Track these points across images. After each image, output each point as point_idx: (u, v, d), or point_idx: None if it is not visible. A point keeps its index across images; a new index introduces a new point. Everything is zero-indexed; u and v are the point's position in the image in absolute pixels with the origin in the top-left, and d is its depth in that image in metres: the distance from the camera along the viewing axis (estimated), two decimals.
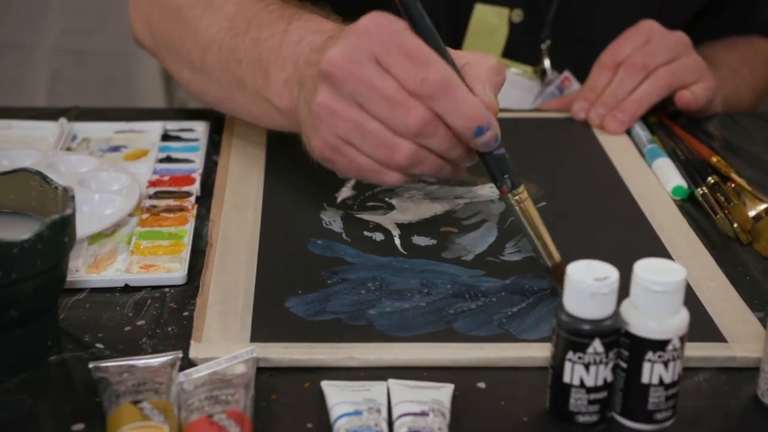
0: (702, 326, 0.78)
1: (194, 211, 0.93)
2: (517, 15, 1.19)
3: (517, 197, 0.80)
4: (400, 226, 0.91)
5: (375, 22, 0.76)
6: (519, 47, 1.22)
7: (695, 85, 1.11)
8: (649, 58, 1.10)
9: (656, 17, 1.18)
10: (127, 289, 0.83)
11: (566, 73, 1.22)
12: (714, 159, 1.02)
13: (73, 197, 0.73)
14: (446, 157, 0.79)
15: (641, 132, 1.09)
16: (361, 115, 0.77)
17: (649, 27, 1.13)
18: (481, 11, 1.19)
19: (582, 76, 1.22)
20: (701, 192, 0.97)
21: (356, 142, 0.78)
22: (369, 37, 0.76)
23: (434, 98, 0.75)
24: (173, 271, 0.84)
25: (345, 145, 0.78)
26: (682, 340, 0.67)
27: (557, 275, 0.81)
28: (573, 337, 0.66)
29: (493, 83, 0.79)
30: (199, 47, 0.96)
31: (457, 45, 1.21)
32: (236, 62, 0.90)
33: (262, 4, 0.92)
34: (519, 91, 1.22)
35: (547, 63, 1.23)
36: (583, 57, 1.21)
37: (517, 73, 1.23)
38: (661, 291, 0.66)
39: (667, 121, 1.12)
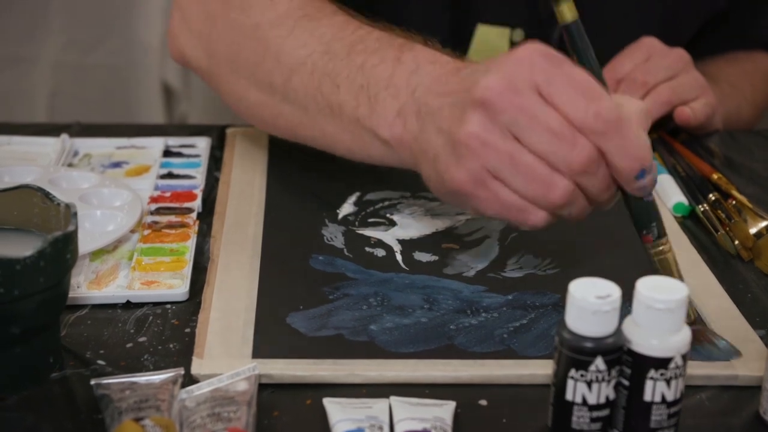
0: (703, 344, 0.78)
1: (196, 227, 0.93)
2: (518, 35, 1.20)
3: (660, 248, 0.78)
4: (401, 242, 0.91)
5: (536, 50, 0.73)
6: None
7: (695, 102, 1.11)
8: (649, 75, 1.11)
9: (657, 34, 1.18)
10: (128, 305, 0.83)
11: None
12: (715, 176, 1.03)
13: (75, 214, 0.73)
14: (596, 199, 0.75)
15: None
16: (517, 147, 0.72)
17: (649, 44, 1.14)
18: (483, 32, 1.20)
19: None
20: (702, 209, 0.97)
21: (507, 177, 0.73)
22: (531, 66, 0.72)
23: (605, 135, 0.71)
24: (175, 287, 0.84)
25: (492, 179, 0.74)
26: (684, 357, 0.67)
27: (695, 336, 0.72)
28: (575, 354, 0.66)
29: (644, 127, 0.74)
30: (283, 69, 0.89)
31: None
32: (333, 87, 0.85)
33: (364, 31, 0.87)
34: None
35: None
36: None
37: None
38: (663, 308, 0.66)
39: (667, 137, 1.13)
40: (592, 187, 0.74)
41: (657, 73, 1.11)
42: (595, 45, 1.22)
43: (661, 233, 0.77)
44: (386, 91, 0.81)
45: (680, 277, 0.77)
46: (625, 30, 1.21)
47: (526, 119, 0.72)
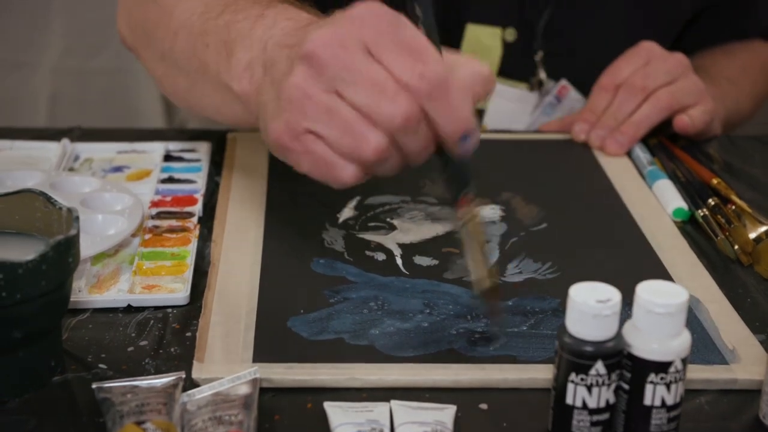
0: (703, 348, 0.78)
1: (196, 232, 0.93)
2: (510, 34, 1.20)
3: (471, 213, 0.77)
4: (401, 246, 0.92)
5: (370, 9, 0.72)
6: (514, 65, 1.22)
7: (693, 109, 1.12)
8: (649, 80, 1.11)
9: (645, 25, 1.19)
10: (129, 309, 0.83)
11: (563, 82, 1.23)
12: (714, 181, 1.03)
13: (77, 218, 0.74)
14: (412, 158, 0.74)
15: (642, 154, 1.10)
16: (336, 101, 0.71)
17: (648, 48, 1.14)
18: (472, 31, 1.20)
19: (578, 85, 1.22)
20: (702, 214, 0.97)
21: (322, 130, 0.72)
22: (362, 24, 0.71)
23: (429, 96, 0.70)
24: (176, 291, 0.84)
25: (307, 132, 0.73)
26: (684, 361, 0.67)
27: (489, 298, 0.78)
28: (575, 358, 0.66)
29: (477, 93, 0.75)
30: (170, 34, 0.91)
31: None
32: (203, 46, 0.86)
33: None
34: (516, 103, 1.23)
35: (542, 74, 1.23)
36: (577, 67, 1.22)
37: (509, 85, 1.23)
38: (663, 313, 0.66)
39: (667, 143, 1.13)
40: (410, 145, 0.73)
41: (656, 78, 1.11)
42: (585, 39, 1.22)
43: (474, 198, 0.76)
44: (241, 45, 0.80)
45: (485, 242, 0.77)
46: (615, 22, 1.21)
47: (349, 73, 0.71)
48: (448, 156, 0.75)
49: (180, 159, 1.08)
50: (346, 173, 0.73)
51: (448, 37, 1.20)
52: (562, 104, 1.22)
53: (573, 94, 1.22)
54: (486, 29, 1.20)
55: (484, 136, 1.17)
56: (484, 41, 1.20)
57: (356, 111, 0.71)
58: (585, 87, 1.22)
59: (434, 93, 0.71)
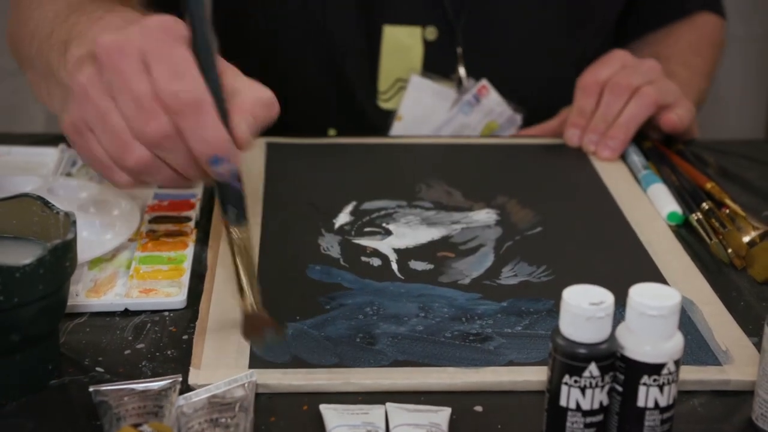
0: (696, 350, 0.79)
1: (193, 236, 0.94)
2: (431, 33, 1.20)
3: (235, 236, 0.77)
4: (397, 251, 0.92)
5: (159, 22, 0.74)
6: (438, 64, 1.23)
7: (678, 108, 1.12)
8: (632, 79, 1.11)
9: (578, 25, 1.20)
10: (126, 313, 0.83)
11: (483, 82, 1.23)
12: (708, 185, 1.03)
13: (74, 222, 0.74)
14: (183, 173, 0.76)
15: (636, 158, 1.10)
16: (110, 107, 0.74)
17: (621, 55, 1.15)
18: (390, 32, 1.20)
19: (499, 84, 1.22)
20: (696, 218, 0.98)
21: (97, 132, 0.76)
22: (146, 35, 0.73)
23: (180, 114, 0.72)
24: (173, 295, 0.85)
25: (88, 130, 0.76)
26: (677, 363, 0.67)
27: (249, 324, 0.77)
28: (569, 360, 0.66)
29: (257, 117, 0.76)
30: (27, 40, 0.95)
31: (374, 66, 1.22)
32: (49, 48, 0.88)
33: None
34: (434, 98, 1.23)
35: (462, 71, 1.23)
36: (500, 66, 1.22)
37: (434, 81, 1.23)
38: (656, 315, 0.66)
39: (662, 147, 1.14)
40: (172, 162, 0.75)
41: (638, 77, 1.12)
42: (507, 37, 1.22)
43: (240, 220, 0.77)
44: (76, 43, 0.82)
45: (253, 267, 0.78)
46: (545, 22, 1.22)
47: (120, 82, 0.73)
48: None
49: None
50: (118, 177, 0.77)
51: (368, 39, 1.21)
52: (481, 104, 1.22)
53: (493, 95, 1.22)
54: (405, 29, 1.21)
55: (479, 140, 1.18)
56: (404, 41, 1.21)
57: (124, 120, 0.74)
58: (509, 87, 1.23)
59: (186, 112, 0.72)
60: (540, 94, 1.23)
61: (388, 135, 1.23)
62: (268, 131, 1.08)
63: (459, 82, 1.23)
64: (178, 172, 0.76)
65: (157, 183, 0.78)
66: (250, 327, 0.77)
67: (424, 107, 1.22)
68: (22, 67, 1.04)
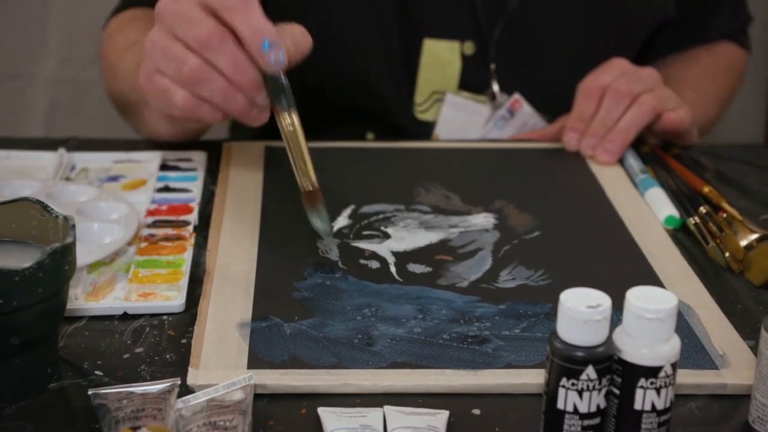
0: (693, 353, 0.79)
1: (192, 240, 0.94)
2: (469, 47, 1.21)
3: (288, 121, 0.88)
4: (395, 254, 0.92)
5: None
6: (474, 78, 1.23)
7: (679, 110, 1.12)
8: (633, 85, 1.12)
9: (609, 42, 1.20)
10: (125, 316, 0.83)
11: (516, 96, 1.23)
12: (706, 189, 1.03)
13: (73, 226, 0.74)
14: (232, 78, 0.85)
15: (634, 162, 1.10)
16: (172, 41, 0.86)
17: (620, 63, 1.15)
18: (430, 46, 1.21)
19: (532, 98, 1.23)
20: (693, 222, 0.98)
21: (161, 65, 0.87)
22: None
23: (229, 10, 0.83)
24: (171, 299, 0.85)
25: (155, 72, 0.88)
26: (674, 366, 0.68)
27: (309, 201, 0.90)
28: (566, 363, 0.67)
29: (295, 38, 0.87)
30: (119, 85, 1.13)
31: (412, 79, 1.23)
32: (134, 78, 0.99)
33: None
34: (468, 114, 1.23)
35: (495, 87, 1.24)
36: (532, 81, 1.23)
37: (467, 97, 1.24)
38: (653, 318, 0.66)
39: (659, 151, 1.14)
40: (220, 64, 0.85)
41: (638, 85, 1.12)
42: (541, 52, 1.23)
43: (292, 106, 0.88)
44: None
45: (306, 148, 0.89)
46: (577, 39, 1.22)
47: (177, 17, 0.86)
48: (264, 73, 0.86)
49: (176, 168, 1.09)
50: (178, 96, 0.87)
51: (407, 52, 1.21)
52: (515, 118, 1.23)
53: (526, 109, 1.23)
54: (444, 43, 1.21)
55: (477, 144, 1.19)
56: (443, 55, 1.21)
57: (181, 43, 0.86)
58: (541, 101, 1.23)
59: (235, 7, 0.83)
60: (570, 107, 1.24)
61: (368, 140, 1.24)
62: (268, 133, 1.08)
63: (493, 97, 1.23)
64: (228, 80, 0.85)
65: (215, 99, 0.86)
66: (309, 201, 0.89)
67: (460, 124, 1.22)
68: (124, 116, 1.19)
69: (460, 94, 1.22)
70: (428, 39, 1.21)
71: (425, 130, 1.24)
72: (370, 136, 1.26)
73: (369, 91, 1.22)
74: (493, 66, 1.22)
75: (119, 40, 1.17)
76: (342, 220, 0.98)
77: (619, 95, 1.11)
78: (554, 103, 1.23)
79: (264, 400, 0.74)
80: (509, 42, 1.22)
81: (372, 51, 1.20)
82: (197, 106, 0.87)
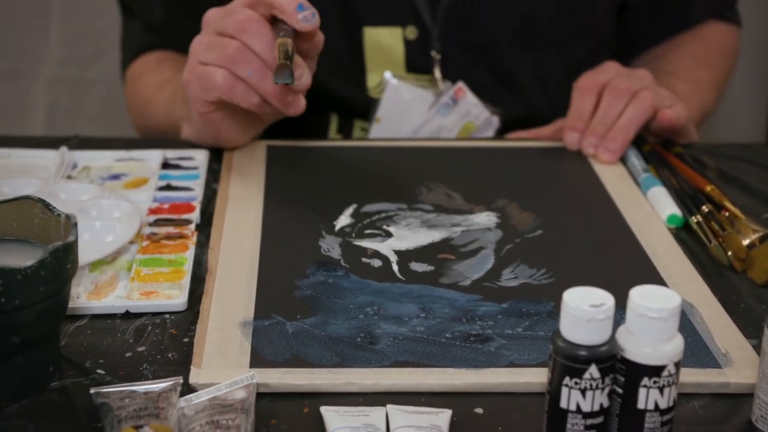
0: (696, 352, 0.79)
1: (194, 239, 0.94)
2: (411, 32, 1.22)
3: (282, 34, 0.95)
4: (397, 252, 0.92)
5: None
6: (419, 64, 1.24)
7: (675, 106, 1.12)
8: (631, 83, 1.12)
9: (560, 22, 1.21)
10: (127, 315, 0.83)
11: (459, 84, 1.23)
12: (708, 188, 1.03)
13: (75, 224, 0.74)
14: (268, 61, 0.95)
15: (636, 161, 1.10)
16: (213, 36, 0.98)
17: (613, 65, 1.16)
18: (371, 33, 1.22)
19: (478, 87, 1.23)
20: (696, 220, 0.98)
21: (203, 55, 0.99)
22: None
23: None
24: (173, 297, 0.85)
25: (198, 64, 0.99)
26: (677, 366, 0.67)
27: (277, 68, 0.92)
28: (569, 362, 0.66)
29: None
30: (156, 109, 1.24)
31: (360, 66, 1.24)
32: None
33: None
34: (412, 101, 1.23)
35: (437, 74, 1.24)
36: (476, 65, 1.22)
37: (411, 82, 1.23)
38: (656, 317, 0.66)
39: (662, 150, 1.14)
40: (257, 46, 0.95)
41: (635, 82, 1.12)
42: (494, 43, 1.23)
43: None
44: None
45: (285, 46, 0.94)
46: (526, 25, 1.22)
47: (220, 15, 0.98)
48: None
49: (177, 167, 1.09)
50: (218, 76, 0.97)
51: (350, 41, 1.22)
52: (458, 106, 1.23)
53: (470, 98, 1.22)
54: (385, 30, 1.22)
55: (479, 143, 1.19)
56: (385, 42, 1.22)
57: (223, 36, 0.97)
58: (487, 89, 1.23)
59: None
60: (518, 97, 1.24)
61: (370, 138, 1.24)
62: (268, 132, 1.09)
63: (436, 84, 1.23)
64: (263, 61, 0.95)
65: (249, 80, 0.96)
66: (277, 69, 0.92)
67: (402, 109, 1.23)
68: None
69: (404, 78, 1.22)
70: (368, 27, 1.22)
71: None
72: (333, 118, 1.27)
73: (324, 79, 1.22)
74: (434, 52, 1.22)
75: (149, 79, 1.27)
76: (344, 219, 0.98)
77: (619, 92, 1.11)
78: (501, 92, 1.23)
79: (266, 399, 0.74)
80: (453, 28, 1.22)
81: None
82: (235, 85, 0.96)
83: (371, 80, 1.24)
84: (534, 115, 1.24)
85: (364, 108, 1.25)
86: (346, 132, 1.27)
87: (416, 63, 1.23)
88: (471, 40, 1.23)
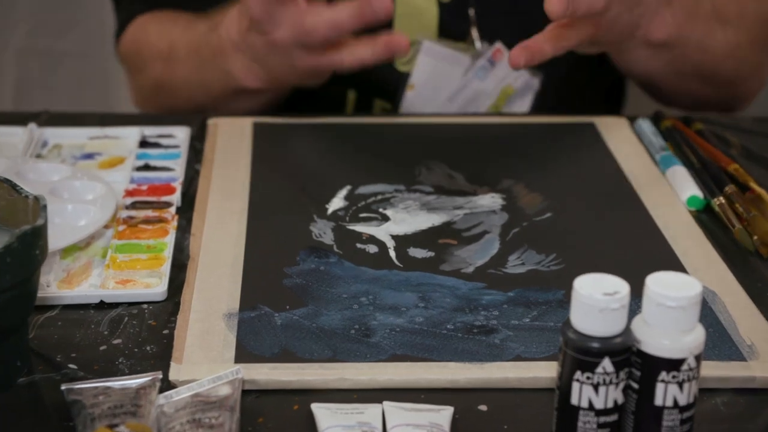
0: (719, 344, 0.79)
1: (174, 223, 0.94)
2: None
3: None
4: (395, 238, 0.92)
5: None
6: (453, 26, 1.23)
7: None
8: None
9: None
10: (102, 305, 0.83)
11: (498, 45, 1.23)
12: (732, 167, 1.03)
13: (44, 207, 0.74)
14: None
15: (654, 138, 1.10)
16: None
17: None
18: None
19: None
20: (718, 202, 0.98)
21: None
22: None
23: None
24: (152, 286, 0.85)
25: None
26: (698, 359, 0.67)
27: None
28: (581, 355, 0.66)
29: None
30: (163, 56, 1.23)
31: (389, 29, 1.22)
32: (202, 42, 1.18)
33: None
34: (446, 63, 1.23)
35: (474, 33, 1.23)
36: (513, 28, 1.22)
37: (447, 45, 1.23)
38: (675, 306, 0.66)
39: (681, 126, 1.13)
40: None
41: None
42: (532, 1, 1.21)
43: None
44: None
45: None
46: None
47: None
48: None
49: (157, 145, 1.08)
50: (252, 38, 1.07)
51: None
52: (496, 68, 1.22)
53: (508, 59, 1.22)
54: None
55: (482, 119, 1.18)
56: (418, 3, 1.22)
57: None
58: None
59: None
60: (557, 57, 1.23)
61: (401, 105, 1.24)
62: (267, 110, 1.10)
63: (473, 46, 1.23)
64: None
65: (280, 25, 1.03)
66: None
67: (437, 74, 1.23)
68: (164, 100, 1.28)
69: (439, 42, 1.22)
70: None
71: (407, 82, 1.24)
72: (351, 95, 1.26)
73: None
74: (472, 12, 1.22)
75: (164, 28, 1.24)
76: (337, 202, 0.98)
77: None
78: None
79: (253, 396, 0.74)
80: None
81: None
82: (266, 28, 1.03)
83: None
84: (574, 77, 1.24)
85: (387, 83, 1.24)
86: (364, 112, 1.27)
87: (450, 27, 1.23)
88: (508, 2, 1.23)
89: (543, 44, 1.05)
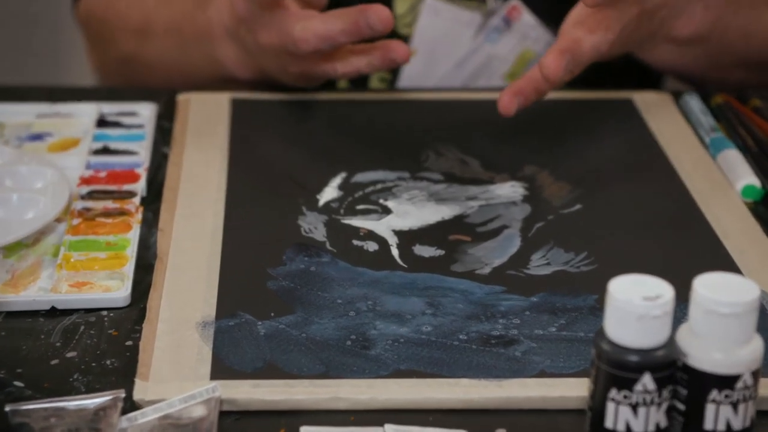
0: None
1: (139, 216, 0.94)
2: None
3: None
4: (398, 233, 0.93)
5: None
6: None
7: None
8: None
9: None
10: (54, 312, 0.84)
11: (514, 1, 1.23)
12: None
13: None
14: None
15: (702, 117, 1.10)
16: None
17: None
18: None
19: (534, 4, 1.22)
20: None
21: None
22: None
23: None
24: (113, 290, 0.85)
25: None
26: (756, 375, 0.68)
27: None
28: (617, 371, 0.67)
29: None
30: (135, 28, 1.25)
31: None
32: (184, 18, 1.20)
33: None
34: (455, 25, 1.23)
35: None
36: None
37: (453, 2, 1.23)
38: (728, 313, 0.67)
39: (736, 103, 1.14)
40: None
41: None
42: None
43: None
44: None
45: None
46: None
47: None
48: None
49: (117, 125, 1.09)
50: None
51: None
52: (512, 29, 1.22)
53: (526, 18, 1.22)
54: None
55: (499, 94, 1.18)
56: None
57: None
58: (544, 7, 1.23)
59: None
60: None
61: (401, 73, 1.24)
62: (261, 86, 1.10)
63: (484, 3, 1.23)
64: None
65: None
66: None
67: (443, 36, 1.23)
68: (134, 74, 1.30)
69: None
70: None
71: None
72: None
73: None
74: None
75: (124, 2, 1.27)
76: (330, 192, 0.98)
77: None
78: (561, 11, 1.23)
79: (232, 418, 0.74)
80: None
81: None
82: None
83: (400, 6, 1.24)
84: None
85: None
86: (358, 83, 1.27)
87: None
88: None
89: (538, 82, 1.05)
